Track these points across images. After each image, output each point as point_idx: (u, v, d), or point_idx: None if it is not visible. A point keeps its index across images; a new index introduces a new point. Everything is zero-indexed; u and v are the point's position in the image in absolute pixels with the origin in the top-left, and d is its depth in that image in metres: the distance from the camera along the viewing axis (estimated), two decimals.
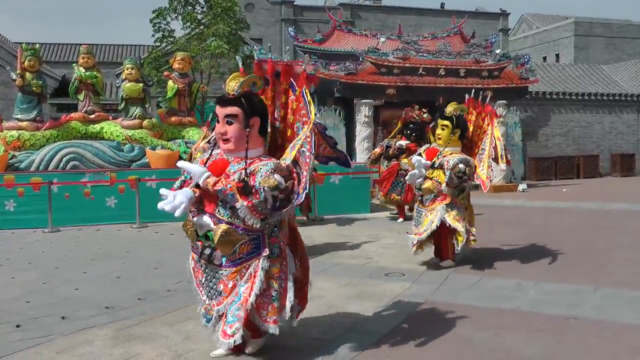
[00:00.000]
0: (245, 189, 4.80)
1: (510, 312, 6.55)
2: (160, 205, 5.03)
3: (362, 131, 20.34)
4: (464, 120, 8.92)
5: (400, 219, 13.72)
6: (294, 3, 44.83)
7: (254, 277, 4.94)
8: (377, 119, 21.71)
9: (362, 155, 19.94)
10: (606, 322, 6.11)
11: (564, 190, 21.74)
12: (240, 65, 5.53)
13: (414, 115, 13.44)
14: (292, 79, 5.44)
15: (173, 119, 16.46)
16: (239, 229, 4.94)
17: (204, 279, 5.15)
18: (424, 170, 8.56)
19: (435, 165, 8.63)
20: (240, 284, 4.98)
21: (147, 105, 16.51)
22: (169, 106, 16.89)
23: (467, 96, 9.34)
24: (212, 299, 5.09)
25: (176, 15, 25.68)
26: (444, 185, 8.50)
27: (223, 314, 5.03)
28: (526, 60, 23.02)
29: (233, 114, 5.00)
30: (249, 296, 4.88)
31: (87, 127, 15.81)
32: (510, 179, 22.77)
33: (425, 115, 13.26)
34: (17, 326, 6.15)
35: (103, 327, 6.10)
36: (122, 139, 15.56)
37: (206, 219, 5.03)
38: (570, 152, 27.72)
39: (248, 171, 4.89)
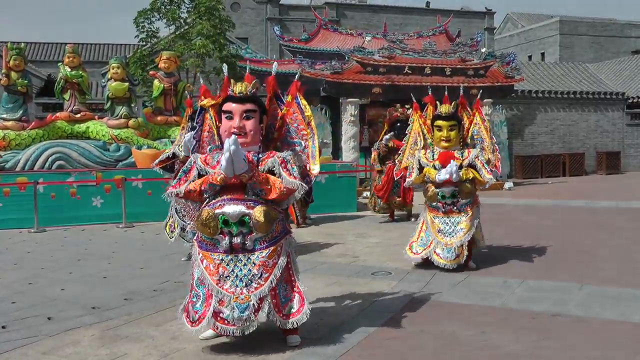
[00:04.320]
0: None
1: (496, 309, 6.57)
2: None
3: (348, 130, 20.33)
4: (459, 116, 8.92)
5: (390, 220, 13.71)
6: (280, 2, 44.80)
7: (289, 256, 5.48)
8: (363, 118, 21.73)
9: (348, 154, 19.95)
10: (592, 319, 6.14)
11: (550, 182, 21.83)
12: (225, 74, 5.86)
13: (398, 114, 13.46)
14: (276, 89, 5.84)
15: (159, 118, 16.44)
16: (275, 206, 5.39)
17: (228, 272, 5.24)
18: (460, 174, 8.47)
19: (464, 166, 8.58)
20: (279, 262, 5.32)
21: (133, 105, 16.50)
22: (155, 105, 16.86)
23: (445, 93, 9.20)
24: (247, 286, 5.21)
25: (160, 15, 25.62)
26: (488, 177, 8.50)
27: (263, 296, 5.22)
28: (512, 59, 23.11)
29: (252, 109, 5.44)
30: (294, 278, 5.51)
31: (73, 127, 15.78)
32: (496, 177, 22.79)
33: (409, 111, 13.22)
34: (3, 327, 6.12)
35: (89, 328, 6.08)
36: (108, 139, 15.53)
37: (236, 206, 5.22)
38: (556, 150, 27.82)
39: (272, 162, 5.36)
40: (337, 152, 20.86)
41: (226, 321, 5.19)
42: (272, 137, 5.71)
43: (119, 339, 5.72)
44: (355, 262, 9.31)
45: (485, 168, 8.54)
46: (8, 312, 6.72)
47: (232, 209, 5.20)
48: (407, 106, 13.27)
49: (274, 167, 5.33)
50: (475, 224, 8.56)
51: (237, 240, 5.20)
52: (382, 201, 13.64)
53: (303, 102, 5.75)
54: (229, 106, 5.41)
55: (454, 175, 8.29)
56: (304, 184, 5.29)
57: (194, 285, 5.42)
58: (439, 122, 8.62)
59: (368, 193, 18.30)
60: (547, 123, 27.92)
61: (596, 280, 7.82)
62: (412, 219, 12.74)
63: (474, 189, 8.59)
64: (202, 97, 5.76)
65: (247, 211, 5.18)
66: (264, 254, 5.24)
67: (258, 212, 5.15)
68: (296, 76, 5.95)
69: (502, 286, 7.58)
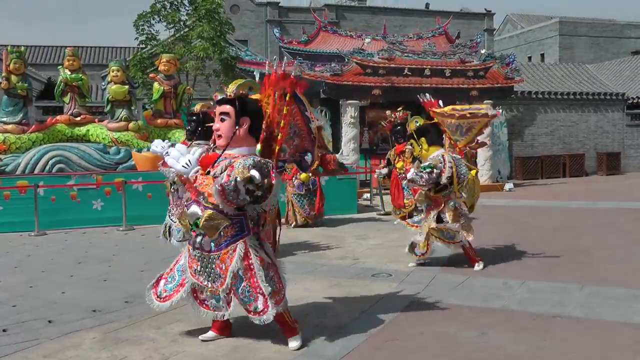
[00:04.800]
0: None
1: (497, 311, 6.57)
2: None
3: (348, 132, 20.36)
4: (423, 127, 8.96)
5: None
6: (279, 4, 44.78)
7: (249, 258, 5.35)
8: (363, 120, 21.77)
9: (348, 156, 19.93)
10: (592, 320, 6.14)
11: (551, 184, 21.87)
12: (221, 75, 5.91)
13: (392, 119, 13.41)
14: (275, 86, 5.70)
15: (159, 121, 16.44)
16: (222, 213, 5.30)
17: (199, 267, 5.50)
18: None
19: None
20: (232, 265, 5.32)
21: (132, 108, 16.49)
22: (155, 108, 16.86)
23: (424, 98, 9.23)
24: (214, 282, 5.43)
25: (160, 18, 25.59)
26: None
27: (228, 293, 5.42)
28: (511, 60, 23.13)
29: (225, 112, 5.46)
30: (256, 279, 5.32)
31: (73, 130, 15.77)
32: (496, 179, 22.84)
33: (399, 113, 13.15)
34: (4, 330, 6.11)
35: (90, 331, 6.08)
36: (108, 142, 15.53)
37: (195, 208, 5.37)
38: (556, 151, 27.83)
39: (227, 164, 5.32)
40: (337, 153, 20.84)
41: (205, 304, 5.58)
42: (274, 137, 5.62)
43: (119, 342, 5.72)
44: (356, 264, 9.30)
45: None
46: (9, 315, 6.72)
47: (190, 210, 5.40)
48: (399, 109, 13.22)
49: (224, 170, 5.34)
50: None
51: (198, 239, 5.44)
52: (396, 208, 13.57)
53: (303, 97, 5.76)
54: (216, 108, 5.61)
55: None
56: (224, 188, 5.10)
57: (175, 268, 5.81)
58: (413, 143, 9.03)
59: (368, 195, 18.34)
60: (547, 124, 27.93)
61: (597, 281, 7.82)
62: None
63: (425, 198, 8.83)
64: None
65: (200, 214, 5.33)
66: (216, 256, 5.39)
67: (203, 217, 5.30)
68: (292, 73, 5.91)
69: (503, 287, 7.58)
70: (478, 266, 8.68)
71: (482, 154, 21.66)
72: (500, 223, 13.16)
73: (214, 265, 5.39)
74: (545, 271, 8.51)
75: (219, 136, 5.45)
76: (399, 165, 12.59)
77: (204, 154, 5.51)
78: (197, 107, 8.68)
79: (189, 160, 5.36)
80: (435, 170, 8.36)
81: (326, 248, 10.66)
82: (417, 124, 9.18)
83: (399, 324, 6.11)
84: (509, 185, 22.16)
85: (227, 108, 5.45)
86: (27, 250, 11.25)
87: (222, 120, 5.44)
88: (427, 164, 8.50)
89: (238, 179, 5.03)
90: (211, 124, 5.65)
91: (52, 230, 13.14)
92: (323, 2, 46.72)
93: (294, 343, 5.41)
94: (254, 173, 5.06)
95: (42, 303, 7.26)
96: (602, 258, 9.38)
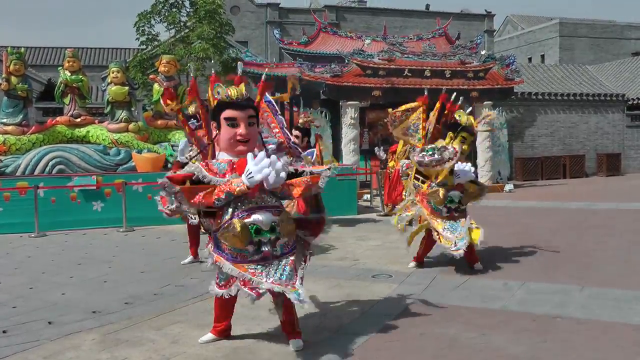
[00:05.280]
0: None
1: (497, 312, 6.57)
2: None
3: (348, 133, 20.35)
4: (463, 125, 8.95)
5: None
6: (279, 5, 44.80)
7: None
8: (363, 121, 21.77)
9: (348, 157, 19.96)
10: (592, 321, 6.13)
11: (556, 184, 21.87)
12: (192, 75, 5.82)
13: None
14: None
15: (159, 122, 16.46)
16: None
17: (264, 275, 5.11)
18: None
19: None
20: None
21: (133, 109, 16.51)
22: (155, 109, 16.88)
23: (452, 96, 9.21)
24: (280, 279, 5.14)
25: (160, 18, 25.60)
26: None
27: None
28: (511, 61, 23.11)
29: (253, 115, 5.36)
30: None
31: (73, 131, 15.78)
32: (496, 180, 22.85)
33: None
34: (4, 332, 6.11)
35: (90, 332, 6.08)
36: (109, 143, 15.53)
37: (267, 213, 5.14)
38: (556, 152, 27.84)
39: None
40: (337, 155, 20.86)
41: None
42: None
43: (119, 343, 5.72)
44: (356, 265, 9.30)
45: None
46: (9, 316, 6.72)
47: (264, 217, 5.11)
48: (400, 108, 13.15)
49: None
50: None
51: (266, 248, 5.12)
52: (391, 204, 13.56)
53: (272, 97, 5.77)
54: (232, 113, 5.24)
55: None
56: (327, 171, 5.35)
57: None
58: (466, 135, 8.79)
59: (368, 196, 18.34)
60: (547, 125, 27.93)
61: (597, 282, 7.82)
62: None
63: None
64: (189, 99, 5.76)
65: (275, 218, 5.14)
66: (291, 258, 5.21)
67: (285, 218, 5.21)
68: (262, 77, 5.92)
69: (503, 288, 7.58)
70: (479, 266, 8.71)
71: (482, 155, 21.68)
72: (500, 224, 13.15)
73: (282, 270, 5.13)
74: (545, 272, 8.51)
75: (246, 141, 5.24)
76: (390, 164, 12.62)
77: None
78: (191, 109, 8.66)
79: (272, 163, 5.10)
80: (439, 153, 8.38)
81: (326, 249, 10.65)
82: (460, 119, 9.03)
83: (399, 325, 6.10)
84: (509, 186, 22.18)
85: (254, 112, 5.35)
86: (27, 251, 11.25)
87: (251, 124, 5.29)
88: (430, 146, 8.51)
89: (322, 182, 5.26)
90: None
91: (52, 232, 13.15)
92: (323, 3, 46.74)
93: (296, 345, 5.39)
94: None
95: (42, 304, 7.27)
96: (602, 259, 9.37)
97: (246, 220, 5.07)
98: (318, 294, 7.30)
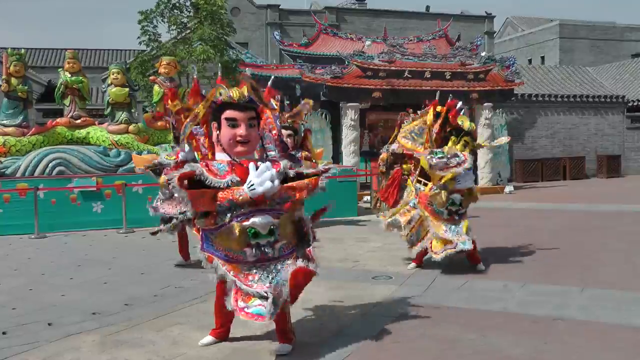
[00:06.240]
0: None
1: (497, 313, 6.56)
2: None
3: (348, 134, 20.34)
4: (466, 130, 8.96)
5: None
6: (280, 7, 44.82)
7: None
8: (363, 122, 21.76)
9: (348, 159, 19.96)
10: (593, 323, 6.13)
11: (559, 185, 21.87)
12: (195, 76, 5.72)
13: (409, 118, 13.34)
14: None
15: (159, 123, 16.44)
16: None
17: (262, 276, 5.09)
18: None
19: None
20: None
21: (133, 110, 16.50)
22: (156, 111, 16.85)
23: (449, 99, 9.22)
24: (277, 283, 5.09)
25: (162, 18, 25.56)
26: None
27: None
28: (511, 62, 23.13)
29: (254, 117, 5.32)
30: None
31: (73, 133, 15.76)
32: (496, 181, 22.84)
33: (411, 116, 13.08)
34: (3, 333, 6.11)
35: (90, 333, 6.08)
36: (109, 144, 15.52)
37: (266, 216, 5.10)
38: (556, 153, 27.82)
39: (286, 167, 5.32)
40: (337, 156, 20.85)
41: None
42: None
43: (119, 345, 5.71)
44: (356, 266, 9.31)
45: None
46: (8, 318, 6.72)
47: (262, 220, 5.06)
48: (419, 111, 13.15)
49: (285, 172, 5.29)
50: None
51: (264, 250, 5.11)
52: (387, 205, 13.53)
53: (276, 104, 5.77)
54: (233, 114, 5.21)
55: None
56: (325, 169, 5.39)
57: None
58: (467, 138, 8.85)
59: (368, 197, 18.33)
60: (547, 127, 27.92)
61: (597, 284, 7.82)
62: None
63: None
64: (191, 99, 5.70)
65: (274, 221, 5.10)
66: (288, 261, 5.17)
67: (285, 221, 5.20)
68: (269, 82, 5.92)
69: (503, 290, 7.58)
70: (481, 266, 8.76)
71: (483, 157, 21.67)
72: (500, 225, 13.15)
73: (278, 273, 5.08)
74: (546, 274, 8.51)
75: (246, 142, 5.22)
76: (406, 166, 12.55)
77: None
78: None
79: (273, 175, 5.10)
80: (449, 158, 8.43)
81: (326, 251, 10.63)
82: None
83: (399, 327, 6.10)
84: (509, 188, 22.16)
85: (254, 114, 5.32)
86: (27, 252, 11.24)
87: (252, 126, 5.25)
88: (438, 150, 8.55)
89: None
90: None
91: (52, 233, 13.14)
92: (323, 4, 46.77)
93: (282, 348, 5.37)
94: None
95: (42, 306, 7.26)
96: (602, 261, 9.37)
97: (244, 224, 5.04)
98: (318, 295, 7.30)
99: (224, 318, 5.59)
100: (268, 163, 5.20)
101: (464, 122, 8.83)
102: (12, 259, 10.61)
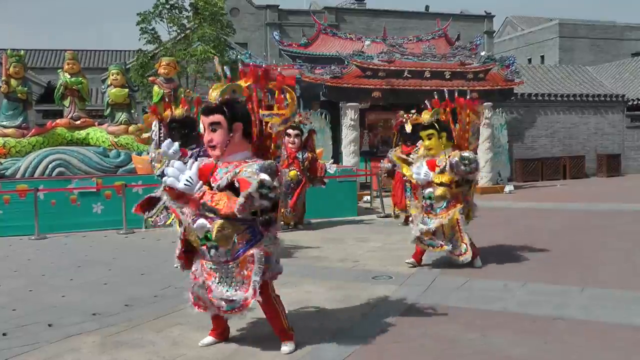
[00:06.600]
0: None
1: (497, 313, 6.56)
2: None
3: (348, 134, 20.33)
4: (446, 123, 8.91)
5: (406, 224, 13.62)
6: (279, 7, 44.84)
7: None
8: (363, 122, 21.75)
9: (348, 159, 19.95)
10: (593, 322, 6.13)
11: (559, 185, 21.91)
12: (228, 74, 5.58)
13: (403, 120, 13.36)
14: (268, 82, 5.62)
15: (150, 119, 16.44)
16: (233, 220, 5.10)
17: (217, 278, 5.23)
18: (430, 177, 8.67)
19: (440, 171, 8.64)
20: (253, 277, 5.11)
21: (132, 111, 16.50)
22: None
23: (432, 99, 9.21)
24: (237, 290, 5.16)
25: (161, 19, 25.57)
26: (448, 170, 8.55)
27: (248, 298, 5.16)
28: (511, 62, 23.13)
29: (216, 122, 5.23)
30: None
31: (73, 133, 15.77)
32: (496, 181, 22.82)
33: (413, 116, 13.10)
34: (4, 334, 6.11)
35: (90, 334, 6.08)
36: (108, 145, 15.52)
37: (202, 220, 5.13)
38: (556, 153, 27.79)
39: (232, 175, 5.11)
40: (337, 156, 20.85)
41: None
42: (265, 136, 5.56)
43: (119, 345, 5.71)
44: (356, 266, 9.30)
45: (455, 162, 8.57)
46: (8, 319, 6.72)
47: (197, 223, 5.14)
48: (412, 111, 13.16)
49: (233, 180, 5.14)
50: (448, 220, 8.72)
51: (212, 252, 5.19)
52: (397, 208, 13.51)
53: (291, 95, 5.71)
54: (202, 117, 5.35)
55: (418, 177, 8.83)
56: (243, 205, 4.95)
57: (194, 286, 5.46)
58: (421, 132, 8.91)
59: (368, 197, 18.31)
60: (547, 126, 27.90)
61: (597, 283, 7.82)
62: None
63: (447, 194, 8.69)
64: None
65: (209, 226, 5.11)
66: (236, 264, 5.17)
67: (214, 228, 5.08)
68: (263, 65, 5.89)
69: (503, 289, 7.57)
70: (477, 263, 8.85)
71: (483, 156, 21.61)
72: (500, 225, 13.15)
73: (234, 274, 5.17)
74: (546, 273, 8.51)
75: (213, 147, 5.24)
76: (406, 172, 12.54)
77: (200, 166, 5.28)
78: (177, 112, 8.71)
79: (190, 177, 5.09)
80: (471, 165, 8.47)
81: (326, 250, 10.64)
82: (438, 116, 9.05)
83: (399, 326, 6.10)
84: (509, 187, 22.14)
85: (217, 117, 5.21)
86: (27, 254, 11.24)
87: (214, 130, 5.21)
88: (466, 154, 8.52)
89: (251, 191, 4.87)
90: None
91: (52, 234, 13.13)
92: (323, 4, 46.80)
93: (286, 347, 5.40)
94: (264, 177, 4.91)
95: (42, 307, 7.26)
96: (602, 260, 9.37)
97: (192, 226, 5.19)
98: (318, 295, 7.30)
99: (219, 317, 5.58)
100: (190, 164, 5.24)
101: (424, 116, 8.94)
102: (12, 260, 10.60)
